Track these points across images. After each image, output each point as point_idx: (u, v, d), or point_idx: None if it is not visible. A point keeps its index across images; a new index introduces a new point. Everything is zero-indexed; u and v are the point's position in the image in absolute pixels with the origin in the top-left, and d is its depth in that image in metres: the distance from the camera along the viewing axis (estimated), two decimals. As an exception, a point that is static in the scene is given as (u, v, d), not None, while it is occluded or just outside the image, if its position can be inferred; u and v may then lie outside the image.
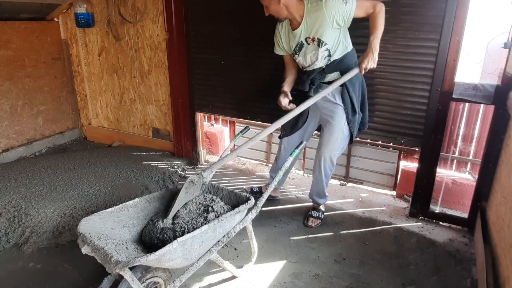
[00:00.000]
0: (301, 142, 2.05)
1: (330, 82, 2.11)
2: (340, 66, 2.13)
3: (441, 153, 2.48)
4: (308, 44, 2.10)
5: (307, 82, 2.16)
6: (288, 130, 2.45)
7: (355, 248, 2.26)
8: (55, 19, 3.59)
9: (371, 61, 2.00)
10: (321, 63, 2.12)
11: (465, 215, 2.58)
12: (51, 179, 2.74)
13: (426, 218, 2.58)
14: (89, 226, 1.60)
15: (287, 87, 2.22)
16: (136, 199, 1.84)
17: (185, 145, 3.35)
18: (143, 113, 3.55)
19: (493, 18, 2.46)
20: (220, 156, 2.21)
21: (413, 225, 2.51)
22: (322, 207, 2.58)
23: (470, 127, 2.94)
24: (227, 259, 2.02)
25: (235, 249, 2.23)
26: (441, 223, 2.53)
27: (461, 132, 2.98)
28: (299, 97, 2.19)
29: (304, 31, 2.07)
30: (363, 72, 2.05)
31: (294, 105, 2.12)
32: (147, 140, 3.61)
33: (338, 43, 2.08)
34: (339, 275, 2.02)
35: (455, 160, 3.06)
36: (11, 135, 3.35)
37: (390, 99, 2.44)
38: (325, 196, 2.53)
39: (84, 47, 3.61)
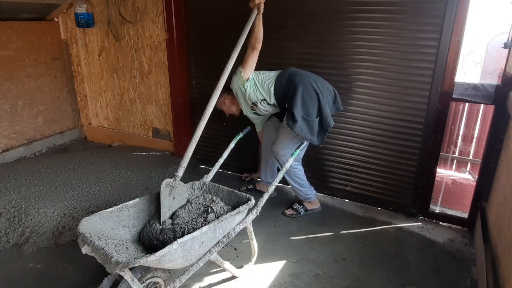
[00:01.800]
0: (302, 143, 2.06)
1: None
2: (279, 96, 2.35)
3: (441, 153, 2.49)
4: (253, 109, 2.52)
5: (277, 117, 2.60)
6: None
7: (355, 248, 2.26)
8: (55, 19, 3.59)
9: None
10: (270, 108, 2.46)
11: (465, 215, 2.58)
12: (51, 179, 2.74)
13: (426, 218, 2.58)
14: (89, 226, 1.60)
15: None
16: (136, 199, 1.84)
17: (185, 145, 3.34)
18: (143, 113, 3.55)
19: (493, 18, 2.46)
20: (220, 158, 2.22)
21: (413, 225, 2.51)
22: (307, 204, 2.61)
23: (470, 127, 2.94)
24: (227, 259, 2.03)
25: (235, 249, 2.23)
26: (441, 223, 2.53)
27: (461, 132, 2.98)
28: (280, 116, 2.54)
29: (245, 108, 2.55)
30: (261, 9, 2.16)
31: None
32: (147, 140, 3.61)
33: (261, 91, 2.37)
34: (339, 275, 2.02)
35: (455, 160, 3.06)
36: (11, 135, 3.35)
37: (390, 99, 2.44)
38: (303, 191, 2.55)
39: (84, 47, 3.61)
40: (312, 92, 2.24)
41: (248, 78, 2.34)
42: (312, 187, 2.59)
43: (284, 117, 2.36)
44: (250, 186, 2.92)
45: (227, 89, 2.46)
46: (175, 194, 1.90)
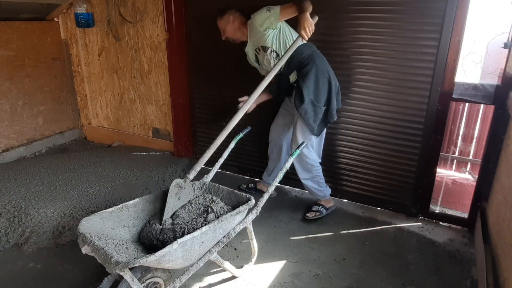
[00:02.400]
0: (302, 143, 2.06)
1: (294, 82, 2.34)
2: (294, 64, 2.26)
3: (441, 153, 2.49)
4: (259, 53, 2.38)
5: (274, 88, 2.45)
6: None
7: (355, 248, 2.26)
8: (55, 19, 3.59)
9: (306, 24, 2.04)
10: (275, 63, 2.24)
11: (465, 215, 2.58)
12: (51, 179, 2.74)
13: (426, 218, 2.58)
14: (89, 226, 1.60)
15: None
16: (137, 199, 1.84)
17: (185, 145, 3.35)
18: (143, 113, 3.55)
19: (493, 18, 2.46)
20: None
21: (413, 225, 2.51)
22: (324, 202, 2.59)
23: (470, 127, 2.94)
24: (227, 259, 2.03)
25: (235, 249, 2.23)
26: (441, 223, 2.53)
27: (461, 132, 2.98)
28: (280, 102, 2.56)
29: (251, 45, 2.39)
30: (306, 37, 2.08)
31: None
32: (147, 140, 3.61)
33: (281, 43, 2.26)
34: (339, 275, 2.02)
35: (455, 160, 3.06)
36: (11, 135, 3.35)
37: (390, 99, 2.44)
38: (320, 190, 2.53)
39: (84, 47, 3.61)
40: (326, 80, 2.24)
41: (276, 25, 2.20)
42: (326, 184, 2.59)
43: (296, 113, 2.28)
44: (251, 185, 2.92)
45: (239, 11, 2.34)
46: (181, 195, 1.90)
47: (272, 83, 2.33)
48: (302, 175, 2.48)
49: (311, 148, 2.40)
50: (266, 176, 2.81)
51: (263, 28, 2.21)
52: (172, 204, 1.86)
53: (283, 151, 2.64)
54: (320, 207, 2.56)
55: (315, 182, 2.50)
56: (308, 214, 2.53)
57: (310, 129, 2.26)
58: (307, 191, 2.67)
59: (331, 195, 2.84)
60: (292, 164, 2.31)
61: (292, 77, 2.36)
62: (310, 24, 2.06)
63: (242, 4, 2.64)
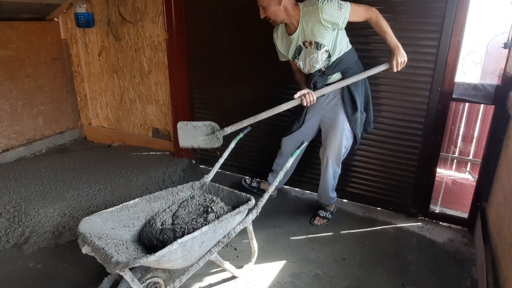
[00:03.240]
0: (302, 143, 2.05)
1: (332, 83, 2.17)
2: (341, 66, 2.14)
3: (441, 153, 2.49)
4: (306, 47, 2.10)
5: (309, 86, 2.20)
6: (287, 130, 2.48)
7: (355, 248, 2.26)
8: (55, 19, 3.59)
9: (400, 56, 2.01)
10: (321, 65, 2.13)
11: (465, 215, 2.58)
12: (51, 179, 2.74)
13: (426, 218, 2.58)
14: (89, 226, 1.60)
15: (303, 83, 2.25)
16: (136, 199, 1.84)
17: (185, 145, 3.35)
18: (143, 113, 3.55)
19: (493, 18, 2.46)
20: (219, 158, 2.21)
21: (413, 225, 2.51)
22: (330, 207, 2.58)
23: (470, 127, 2.94)
24: (227, 259, 2.03)
25: (235, 249, 2.23)
26: (441, 223, 2.53)
27: (461, 132, 2.98)
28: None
29: (301, 35, 2.07)
30: (395, 69, 2.04)
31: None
32: (147, 140, 3.61)
33: (336, 43, 2.09)
34: (339, 275, 2.02)
35: (455, 160, 3.06)
36: (11, 135, 3.35)
37: (390, 99, 2.44)
38: (333, 197, 2.52)
39: (84, 47, 3.61)
40: (365, 85, 2.25)
41: (343, 27, 2.03)
42: None
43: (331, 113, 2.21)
44: (254, 184, 2.88)
45: None
46: (205, 138, 2.10)
47: (305, 79, 2.25)
48: (330, 185, 2.42)
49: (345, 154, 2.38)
50: (271, 177, 2.78)
51: (329, 23, 1.97)
52: (198, 129, 1.99)
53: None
54: (328, 213, 2.54)
55: (332, 189, 2.48)
56: (316, 222, 2.50)
57: (355, 137, 2.26)
58: (307, 192, 2.66)
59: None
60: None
61: (333, 78, 2.20)
62: (404, 61, 2.01)
63: (242, 7, 2.65)
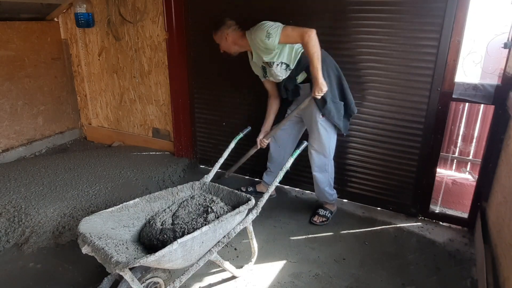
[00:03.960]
0: (303, 142, 2.06)
1: (302, 82, 2.31)
2: (302, 66, 2.24)
3: (441, 153, 2.49)
4: (265, 67, 2.30)
5: (282, 90, 2.37)
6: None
7: (355, 248, 2.26)
8: (55, 19, 3.59)
9: (318, 90, 2.13)
10: (285, 74, 2.27)
11: (465, 215, 2.58)
12: (51, 179, 2.74)
13: (426, 218, 2.58)
14: (89, 226, 1.60)
15: (265, 124, 2.52)
16: (136, 199, 1.84)
17: (185, 145, 3.35)
18: (143, 113, 3.55)
19: (493, 18, 2.46)
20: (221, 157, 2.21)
21: (413, 225, 2.51)
22: (330, 206, 2.58)
23: (470, 127, 2.94)
24: (227, 259, 2.03)
25: (235, 249, 2.23)
26: (441, 223, 2.53)
27: (461, 132, 2.98)
28: (286, 102, 2.49)
29: (257, 59, 2.29)
30: (317, 97, 2.18)
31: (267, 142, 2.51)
32: (147, 140, 3.61)
33: (286, 54, 2.20)
34: (339, 275, 2.02)
35: (455, 160, 3.06)
36: (11, 135, 3.35)
37: (390, 99, 2.44)
38: (331, 193, 2.53)
39: (84, 47, 3.61)
40: (336, 75, 2.27)
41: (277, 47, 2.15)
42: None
43: (313, 113, 2.28)
44: (250, 189, 2.90)
45: (231, 24, 2.25)
46: None
47: (279, 85, 2.38)
48: (322, 180, 2.45)
49: (333, 148, 2.42)
50: (266, 177, 2.80)
51: (265, 49, 2.15)
52: None
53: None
54: (328, 212, 2.55)
55: (328, 184, 2.49)
56: (315, 219, 2.51)
57: (337, 127, 2.30)
58: (307, 192, 2.66)
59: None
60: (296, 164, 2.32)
61: (300, 78, 2.32)
62: (322, 88, 2.12)
63: (242, 7, 2.64)
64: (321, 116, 2.26)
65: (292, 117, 2.41)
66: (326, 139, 2.33)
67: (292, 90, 2.34)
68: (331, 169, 2.48)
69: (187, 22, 3.00)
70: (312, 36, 2.02)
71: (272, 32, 2.07)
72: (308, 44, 2.03)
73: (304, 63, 2.21)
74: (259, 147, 2.50)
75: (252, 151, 2.54)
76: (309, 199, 2.81)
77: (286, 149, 2.63)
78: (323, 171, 2.44)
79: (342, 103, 2.29)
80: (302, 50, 2.20)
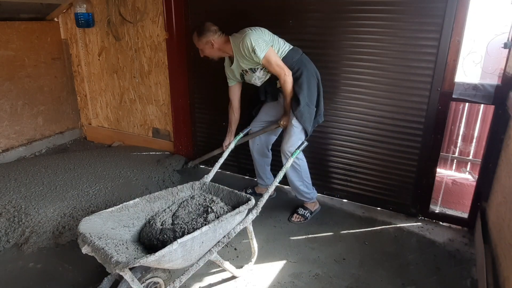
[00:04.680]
0: (303, 142, 2.06)
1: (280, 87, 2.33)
2: None
3: (441, 153, 2.49)
4: (246, 73, 2.34)
5: (262, 92, 2.44)
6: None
7: (355, 248, 2.26)
8: (55, 19, 3.59)
9: (287, 120, 2.35)
10: (264, 79, 2.33)
11: (465, 215, 2.58)
12: (51, 179, 2.74)
13: (426, 218, 2.58)
14: (89, 226, 1.60)
15: (233, 131, 2.58)
16: (136, 199, 1.84)
17: (185, 145, 3.35)
18: (143, 113, 3.55)
19: (493, 18, 2.46)
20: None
21: (413, 225, 2.51)
22: (311, 206, 2.58)
23: (470, 127, 2.94)
24: (227, 259, 2.03)
25: (235, 249, 2.23)
26: (441, 223, 2.53)
27: (461, 132, 2.98)
28: (264, 103, 2.56)
29: (237, 66, 2.32)
30: (281, 126, 2.39)
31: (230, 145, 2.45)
32: (147, 140, 3.61)
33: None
34: (339, 275, 2.02)
35: (455, 160, 3.06)
36: (11, 135, 3.35)
37: (390, 99, 2.44)
38: (308, 192, 2.51)
39: (84, 47, 3.61)
40: (315, 82, 2.30)
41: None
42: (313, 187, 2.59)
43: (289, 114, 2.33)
44: (249, 191, 2.89)
45: (216, 30, 2.26)
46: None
47: (259, 88, 2.43)
48: (294, 178, 2.44)
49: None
50: (261, 179, 2.78)
51: (251, 59, 2.21)
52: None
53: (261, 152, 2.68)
54: (307, 211, 2.55)
55: (304, 184, 2.48)
56: (293, 219, 2.52)
57: (306, 131, 2.30)
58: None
59: (330, 194, 2.85)
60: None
61: (278, 83, 2.32)
62: (284, 124, 2.36)
63: (234, 6, 2.64)
64: (294, 119, 2.29)
65: (261, 132, 2.54)
66: (297, 141, 2.30)
67: (272, 93, 2.43)
68: (305, 167, 2.45)
69: (187, 22, 3.00)
70: (289, 79, 2.21)
71: (259, 52, 2.14)
72: (285, 83, 2.22)
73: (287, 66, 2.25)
74: (224, 150, 2.49)
75: (216, 152, 2.67)
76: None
77: (265, 157, 2.69)
78: (295, 172, 2.42)
79: (315, 109, 2.32)
80: (286, 52, 2.25)
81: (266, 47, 2.15)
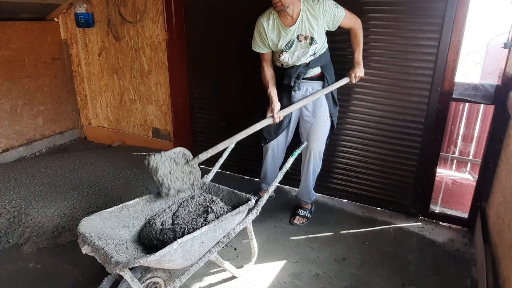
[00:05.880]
0: (303, 142, 2.06)
1: (311, 77, 2.27)
2: (321, 61, 2.25)
3: (441, 153, 2.49)
4: (300, 41, 2.12)
5: (293, 77, 2.20)
6: (272, 133, 2.42)
7: (355, 248, 2.26)
8: (55, 19, 3.59)
9: (359, 71, 2.26)
10: (308, 59, 2.20)
11: (465, 215, 2.58)
12: (51, 179, 2.74)
13: (426, 218, 2.58)
14: (89, 226, 1.60)
15: (275, 95, 2.24)
16: (136, 199, 1.84)
17: (185, 145, 3.34)
18: (143, 113, 3.55)
19: (493, 18, 2.46)
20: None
21: (413, 225, 2.51)
22: (308, 206, 2.59)
23: (470, 127, 2.94)
24: (227, 259, 2.03)
25: (235, 249, 2.23)
26: (441, 223, 2.53)
27: (461, 132, 2.99)
28: (284, 91, 2.29)
29: (298, 28, 2.09)
30: (354, 80, 2.28)
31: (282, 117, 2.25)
32: (147, 140, 3.61)
33: (323, 41, 2.22)
34: (339, 275, 2.02)
35: (455, 160, 3.06)
36: (11, 135, 3.35)
37: (390, 99, 2.44)
38: (314, 194, 2.55)
39: (84, 47, 3.61)
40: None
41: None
42: None
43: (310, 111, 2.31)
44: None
45: None
46: (180, 164, 1.91)
47: (289, 72, 2.22)
48: (312, 179, 2.47)
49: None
50: (264, 186, 2.74)
51: (328, 22, 2.10)
52: (168, 166, 1.83)
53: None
54: (307, 212, 2.56)
55: (314, 183, 2.51)
56: (295, 221, 2.50)
57: (334, 128, 2.38)
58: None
59: (330, 194, 2.85)
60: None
61: (314, 71, 2.26)
62: (360, 76, 2.27)
63: (234, 6, 2.64)
64: (329, 116, 2.31)
65: (300, 107, 2.26)
66: (324, 139, 2.37)
67: (299, 82, 2.23)
68: (319, 171, 2.50)
69: (187, 22, 3.00)
70: (361, 26, 2.20)
71: (338, 5, 2.10)
72: (359, 30, 2.19)
73: (324, 59, 2.25)
74: (277, 121, 2.20)
75: (254, 128, 2.18)
76: (309, 199, 2.81)
77: (279, 160, 2.59)
78: (315, 174, 2.47)
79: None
80: (326, 49, 2.25)
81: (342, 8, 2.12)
